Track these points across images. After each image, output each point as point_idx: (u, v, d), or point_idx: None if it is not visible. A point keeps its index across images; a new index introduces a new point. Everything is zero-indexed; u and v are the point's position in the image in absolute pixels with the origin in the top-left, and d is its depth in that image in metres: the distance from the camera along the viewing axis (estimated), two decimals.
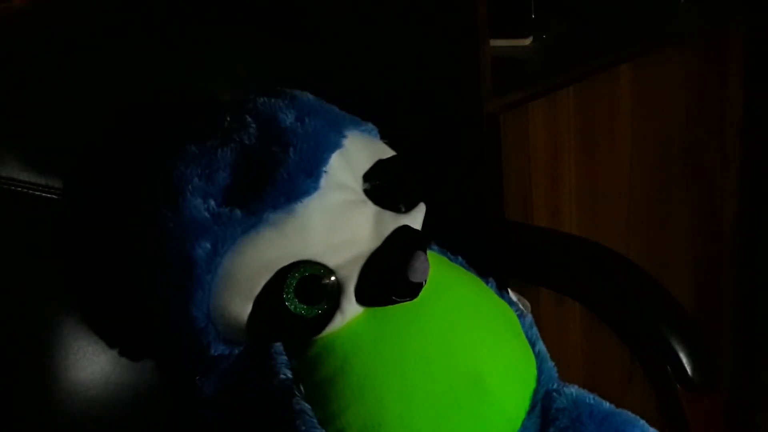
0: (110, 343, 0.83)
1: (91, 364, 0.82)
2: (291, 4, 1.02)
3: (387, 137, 0.86)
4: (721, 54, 1.45)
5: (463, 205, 1.17)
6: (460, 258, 0.86)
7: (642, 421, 0.76)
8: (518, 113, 1.16)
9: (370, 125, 0.84)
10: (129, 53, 0.90)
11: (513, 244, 1.08)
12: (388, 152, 0.83)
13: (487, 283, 0.83)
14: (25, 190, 0.80)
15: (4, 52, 0.85)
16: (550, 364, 0.79)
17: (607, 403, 0.76)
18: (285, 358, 0.74)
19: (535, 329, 0.81)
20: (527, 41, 1.34)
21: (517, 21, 1.40)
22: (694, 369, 0.84)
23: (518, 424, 0.74)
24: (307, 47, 1.01)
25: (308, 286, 0.73)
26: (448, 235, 0.87)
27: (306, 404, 0.71)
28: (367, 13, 1.08)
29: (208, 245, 0.72)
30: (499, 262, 1.03)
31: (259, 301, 0.73)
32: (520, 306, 0.83)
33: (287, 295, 0.72)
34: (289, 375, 0.73)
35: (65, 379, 0.81)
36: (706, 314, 1.58)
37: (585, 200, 1.29)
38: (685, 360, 0.85)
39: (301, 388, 0.72)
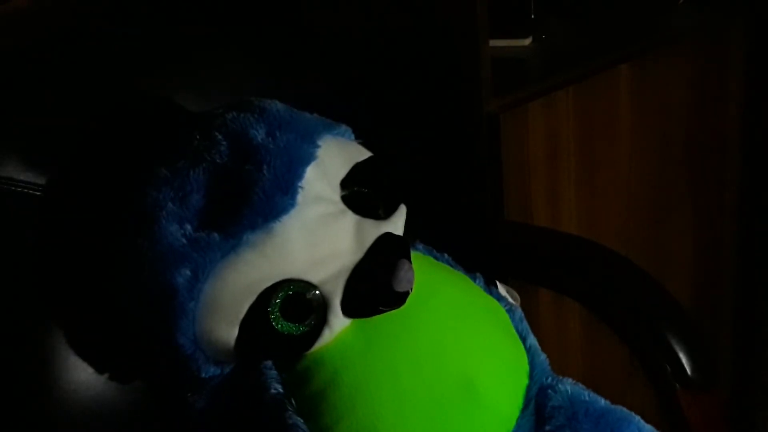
0: (98, 369, 0.82)
1: None
2: (291, 4, 1.02)
3: (387, 138, 0.86)
4: (721, 54, 1.45)
5: (462, 205, 1.17)
6: (446, 255, 0.85)
7: (637, 418, 0.76)
8: (518, 113, 1.16)
9: (344, 127, 0.83)
10: (129, 53, 0.90)
11: (513, 244, 1.08)
12: (364, 154, 0.81)
13: (474, 279, 0.82)
14: (25, 190, 0.80)
15: (3, 52, 0.85)
16: (542, 357, 0.78)
17: (603, 400, 0.76)
18: (275, 372, 0.73)
19: (525, 323, 0.80)
20: (527, 41, 1.34)
21: (517, 21, 1.40)
22: (693, 368, 0.84)
23: (512, 423, 0.74)
24: (306, 47, 1.01)
25: (293, 304, 0.72)
26: (444, 233, 0.87)
27: (298, 418, 0.71)
28: (367, 13, 1.08)
29: (189, 272, 0.71)
30: (492, 258, 1.03)
31: (245, 324, 0.72)
32: (510, 299, 0.82)
33: (273, 316, 0.72)
34: (281, 389, 0.72)
35: (66, 379, 0.81)
36: (706, 314, 1.58)
37: (585, 200, 1.29)
38: (684, 359, 0.85)
39: (293, 401, 0.72)
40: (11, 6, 0.92)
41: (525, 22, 1.39)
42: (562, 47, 1.34)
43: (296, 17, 1.02)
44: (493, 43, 1.13)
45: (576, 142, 1.25)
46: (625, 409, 0.76)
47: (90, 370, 0.82)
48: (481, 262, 0.84)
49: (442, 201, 1.13)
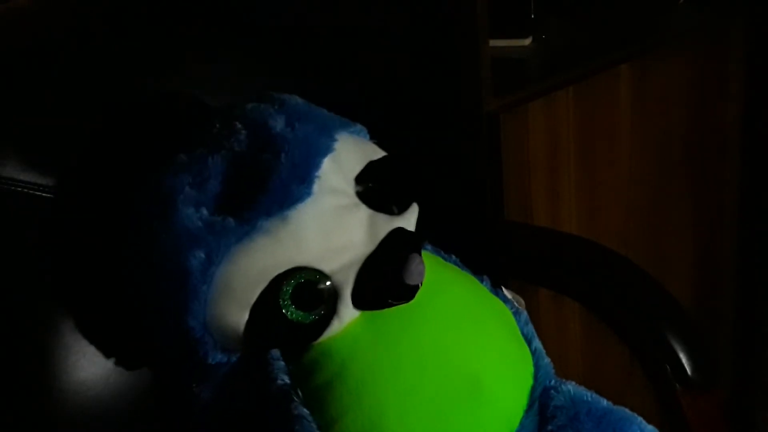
0: (106, 353, 0.82)
1: (91, 364, 0.82)
2: (290, 4, 1.02)
3: (387, 137, 0.86)
4: (721, 54, 1.46)
5: (462, 205, 1.17)
6: (453, 257, 0.86)
7: (639, 418, 0.76)
8: (518, 113, 1.16)
9: (359, 126, 0.83)
10: (129, 53, 0.90)
11: (513, 244, 1.08)
12: (379, 153, 0.82)
13: (481, 281, 0.83)
14: (25, 190, 0.80)
15: (4, 51, 0.85)
16: (547, 360, 0.78)
17: (605, 400, 0.76)
18: (282, 363, 0.73)
19: (530, 326, 0.80)
20: (527, 41, 1.34)
21: (517, 21, 1.40)
22: (693, 368, 0.85)
23: (516, 423, 0.74)
24: (306, 47, 1.01)
25: (304, 292, 0.72)
26: (444, 233, 0.87)
27: (305, 409, 0.71)
28: (367, 14, 1.08)
29: (203, 255, 0.71)
30: (496, 261, 1.03)
31: (255, 310, 0.72)
32: (515, 303, 0.83)
33: (284, 303, 0.72)
34: (287, 380, 0.72)
35: (66, 380, 0.81)
36: (706, 314, 1.58)
37: (585, 200, 1.29)
38: (684, 359, 0.85)
39: (299, 393, 0.72)
40: (11, 6, 0.92)
41: (525, 22, 1.39)
42: (562, 47, 1.34)
43: (295, 18, 1.02)
44: (493, 43, 1.14)
45: (576, 142, 1.25)
46: (627, 410, 0.76)
47: (90, 369, 0.82)
48: (485, 264, 0.85)
49: (442, 201, 1.13)
